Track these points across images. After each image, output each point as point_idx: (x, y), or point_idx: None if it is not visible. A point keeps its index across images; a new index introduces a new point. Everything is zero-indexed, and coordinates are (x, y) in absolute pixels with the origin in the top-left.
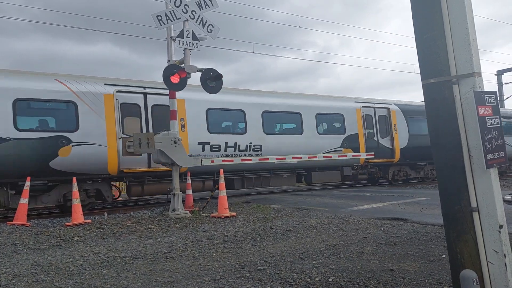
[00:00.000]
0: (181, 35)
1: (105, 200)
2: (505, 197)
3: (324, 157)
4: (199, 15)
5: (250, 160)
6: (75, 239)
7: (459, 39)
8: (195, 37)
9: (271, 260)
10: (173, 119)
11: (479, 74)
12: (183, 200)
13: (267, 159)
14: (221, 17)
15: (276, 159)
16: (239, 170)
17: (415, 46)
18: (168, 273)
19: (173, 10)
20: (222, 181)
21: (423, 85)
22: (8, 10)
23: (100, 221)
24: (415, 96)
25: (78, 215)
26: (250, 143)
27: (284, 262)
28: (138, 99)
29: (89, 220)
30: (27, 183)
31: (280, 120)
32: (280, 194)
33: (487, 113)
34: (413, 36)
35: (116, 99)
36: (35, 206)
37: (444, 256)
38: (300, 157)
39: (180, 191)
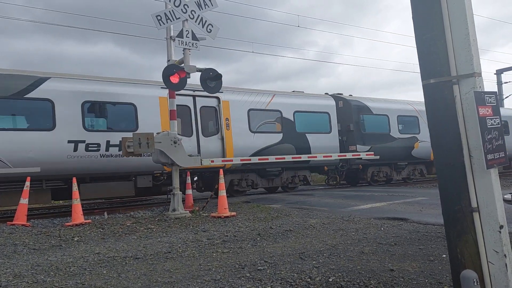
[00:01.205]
0: (180, 35)
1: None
2: (505, 196)
3: None
4: (199, 15)
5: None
6: (75, 239)
7: (459, 39)
8: (194, 37)
9: (271, 260)
10: (173, 119)
11: (479, 75)
12: (183, 200)
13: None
14: (221, 17)
15: None
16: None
17: (415, 46)
18: (168, 273)
19: (172, 10)
20: (222, 181)
21: (423, 85)
22: (10, 10)
23: (100, 221)
24: (415, 95)
25: (78, 215)
26: None
27: (284, 262)
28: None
29: (89, 220)
30: (27, 183)
31: None
32: (280, 194)
33: (488, 113)
34: (413, 35)
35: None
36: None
37: (444, 256)
38: None
39: None
